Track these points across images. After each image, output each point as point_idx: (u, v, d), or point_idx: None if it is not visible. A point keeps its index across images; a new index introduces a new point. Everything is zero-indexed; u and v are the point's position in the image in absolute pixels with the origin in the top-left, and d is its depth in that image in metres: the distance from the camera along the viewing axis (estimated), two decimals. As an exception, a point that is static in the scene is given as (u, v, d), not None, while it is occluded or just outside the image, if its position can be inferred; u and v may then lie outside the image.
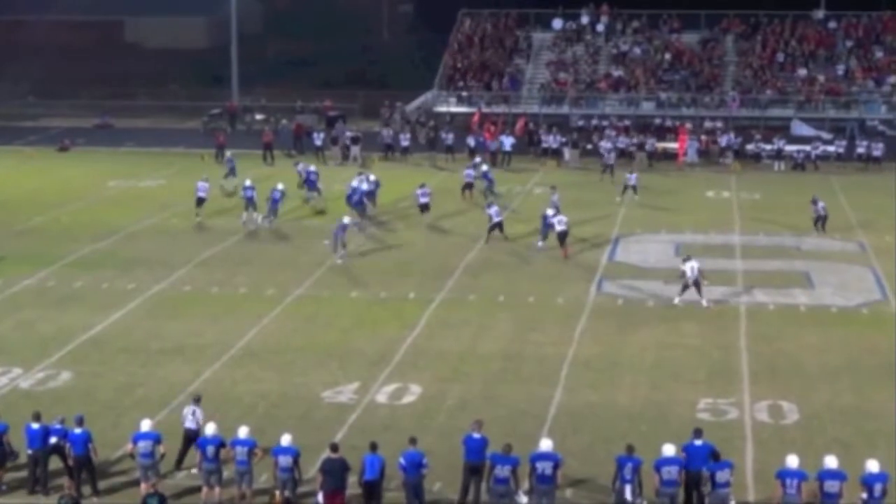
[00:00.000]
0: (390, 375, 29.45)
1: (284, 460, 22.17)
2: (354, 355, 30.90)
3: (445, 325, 33.53)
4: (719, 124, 62.96)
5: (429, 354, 31.01)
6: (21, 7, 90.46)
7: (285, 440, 22.40)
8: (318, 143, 60.22)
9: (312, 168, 49.91)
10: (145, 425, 23.10)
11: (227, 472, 22.68)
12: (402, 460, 22.03)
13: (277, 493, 22.20)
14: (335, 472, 21.83)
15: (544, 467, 21.66)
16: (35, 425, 23.22)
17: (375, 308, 35.15)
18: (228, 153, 53.28)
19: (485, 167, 51.67)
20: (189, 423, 23.90)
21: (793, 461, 21.30)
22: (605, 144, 58.09)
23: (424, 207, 45.41)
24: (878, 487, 21.04)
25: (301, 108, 70.03)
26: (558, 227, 40.19)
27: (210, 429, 22.76)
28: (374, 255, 41.07)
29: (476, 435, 22.67)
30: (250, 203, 44.91)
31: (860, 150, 58.02)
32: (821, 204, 43.77)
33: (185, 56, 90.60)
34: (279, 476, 22.22)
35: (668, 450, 21.76)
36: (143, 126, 71.47)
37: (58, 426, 23.44)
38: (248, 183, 45.72)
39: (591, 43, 72.13)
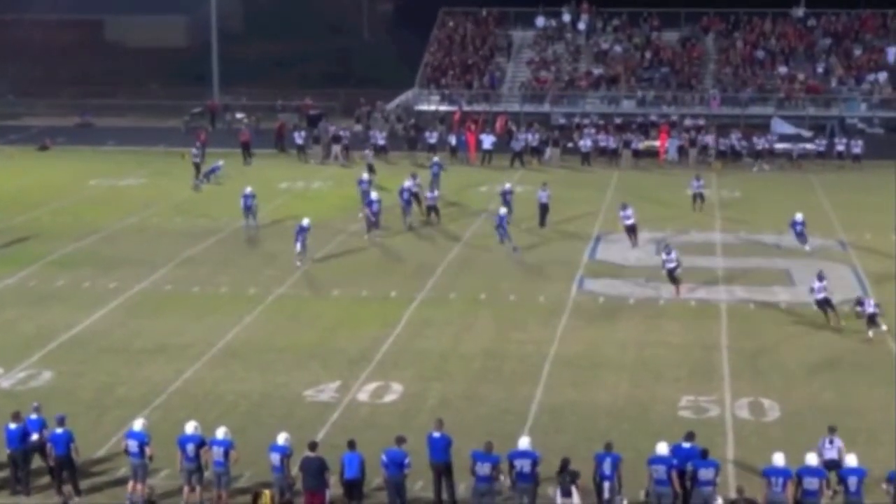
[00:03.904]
0: (372, 374, 29.46)
1: (274, 458, 22.09)
2: (336, 354, 30.90)
3: (427, 323, 33.55)
4: (701, 122, 63.08)
5: (410, 353, 31.03)
6: (1, 6, 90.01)
7: (281, 438, 22.29)
8: (300, 141, 60.14)
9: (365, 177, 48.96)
10: (137, 424, 23.01)
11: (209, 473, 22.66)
12: (384, 458, 22.04)
13: (267, 491, 22.10)
14: (313, 471, 21.80)
15: (522, 465, 21.72)
16: (13, 425, 23.10)
17: (357, 307, 35.14)
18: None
19: (436, 158, 52.68)
20: (829, 454, 22.53)
21: (779, 459, 21.38)
22: (584, 143, 58.33)
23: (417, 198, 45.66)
24: (852, 481, 21.19)
25: (282, 106, 69.95)
26: (626, 222, 41.58)
27: (190, 427, 22.66)
28: (355, 254, 41.05)
29: (436, 434, 22.72)
30: (248, 211, 44.07)
31: (840, 148, 58.23)
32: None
33: (165, 55, 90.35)
34: (274, 475, 22.11)
35: (661, 448, 21.87)
36: (124, 125, 71.25)
37: (34, 417, 23.36)
38: (248, 191, 44.61)
39: (572, 41, 72.23)
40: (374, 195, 43.55)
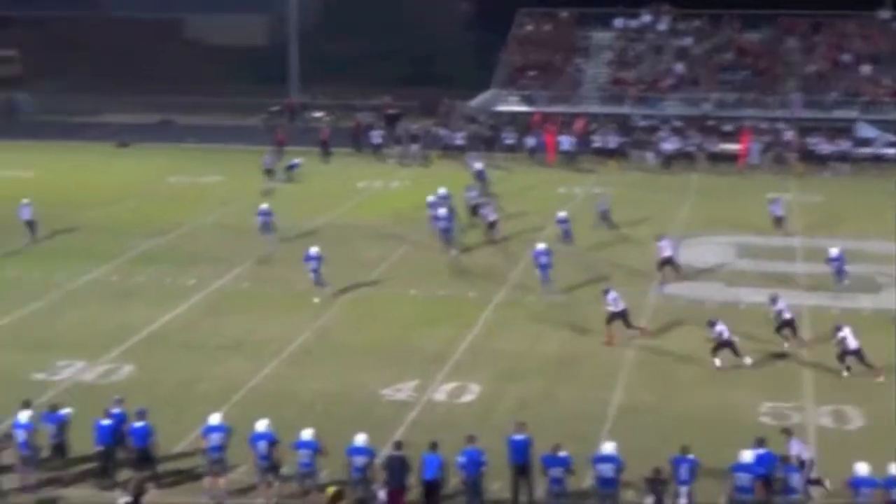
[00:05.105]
0: (449, 374, 29.42)
1: (360, 460, 22.06)
2: (413, 353, 30.89)
3: (504, 324, 33.43)
4: (783, 125, 62.25)
5: (487, 353, 30.96)
6: (84, 4, 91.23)
7: (360, 440, 22.29)
8: (377, 140, 60.29)
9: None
10: (214, 419, 23.18)
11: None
12: (461, 458, 21.98)
13: (331, 489, 22.12)
14: (396, 469, 21.80)
15: (605, 469, 21.54)
16: (105, 421, 23.39)
17: (434, 306, 35.11)
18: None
19: (479, 165, 51.15)
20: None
21: (862, 469, 21.12)
22: (666, 146, 57.93)
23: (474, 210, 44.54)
24: None
25: (360, 105, 70.16)
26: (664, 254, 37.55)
27: (261, 425, 22.78)
28: (432, 254, 40.91)
29: (517, 436, 22.65)
30: (266, 228, 41.41)
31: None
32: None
33: (245, 53, 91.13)
34: (353, 476, 22.08)
35: (746, 456, 21.56)
36: (204, 123, 71.93)
37: (115, 410, 23.68)
38: (264, 207, 42.03)
39: (653, 42, 71.67)
40: (441, 211, 41.37)
